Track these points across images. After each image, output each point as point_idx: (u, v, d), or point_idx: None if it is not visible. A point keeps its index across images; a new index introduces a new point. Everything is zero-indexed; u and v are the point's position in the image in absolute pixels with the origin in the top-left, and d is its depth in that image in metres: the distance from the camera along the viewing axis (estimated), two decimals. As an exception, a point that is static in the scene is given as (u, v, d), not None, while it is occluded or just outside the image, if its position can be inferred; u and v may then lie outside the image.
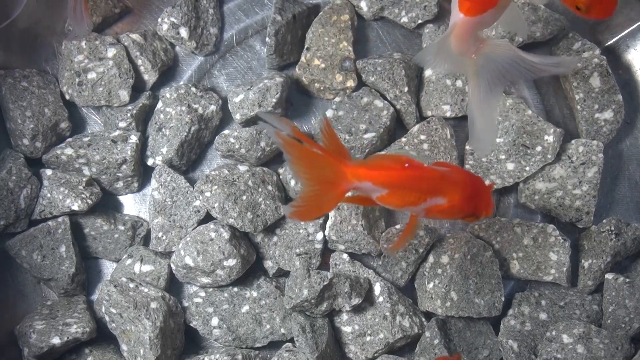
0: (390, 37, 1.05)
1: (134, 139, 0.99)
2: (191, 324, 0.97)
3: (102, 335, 0.97)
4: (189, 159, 1.01)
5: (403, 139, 0.99)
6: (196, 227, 0.97)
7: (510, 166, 0.98)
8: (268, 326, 0.97)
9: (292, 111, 1.03)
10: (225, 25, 1.05)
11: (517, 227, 0.98)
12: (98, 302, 0.98)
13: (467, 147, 1.00)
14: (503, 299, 0.96)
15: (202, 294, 0.97)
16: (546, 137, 0.97)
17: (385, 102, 0.99)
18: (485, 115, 0.83)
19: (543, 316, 0.97)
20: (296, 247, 0.97)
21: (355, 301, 0.94)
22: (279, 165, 1.01)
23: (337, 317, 0.97)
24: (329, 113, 0.99)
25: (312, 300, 0.92)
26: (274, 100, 0.97)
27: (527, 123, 0.98)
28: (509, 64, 0.82)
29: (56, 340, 0.92)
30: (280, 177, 1.00)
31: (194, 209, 0.98)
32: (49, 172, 0.99)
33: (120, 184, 1.01)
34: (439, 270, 0.96)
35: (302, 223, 0.97)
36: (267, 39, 1.00)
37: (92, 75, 1.00)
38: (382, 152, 0.99)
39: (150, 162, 1.01)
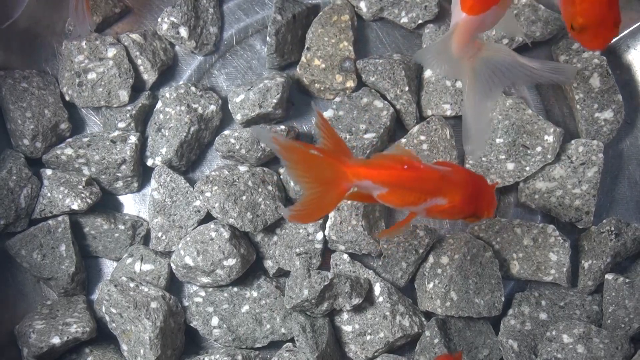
0: (389, 37, 1.05)
1: (133, 139, 0.99)
2: (191, 324, 0.97)
3: (103, 335, 0.97)
4: (189, 159, 1.01)
5: (403, 140, 0.99)
6: (196, 226, 0.97)
7: (510, 166, 0.98)
8: (268, 326, 0.97)
9: (293, 111, 1.03)
10: (225, 24, 1.05)
11: (517, 228, 0.98)
12: (98, 302, 0.98)
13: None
14: (503, 298, 0.96)
15: (202, 293, 0.97)
16: (546, 136, 0.97)
17: (385, 102, 0.99)
18: (479, 118, 0.83)
19: (543, 316, 0.97)
20: (296, 246, 0.97)
21: (356, 301, 0.94)
22: (279, 165, 1.01)
23: (338, 317, 0.97)
24: (329, 113, 0.99)
25: (313, 300, 0.92)
26: (275, 100, 0.97)
27: (527, 122, 0.98)
28: (507, 68, 0.81)
29: (56, 340, 0.92)
30: (281, 177, 0.99)
31: (194, 208, 0.98)
32: (49, 171, 0.99)
33: (119, 183, 1.01)
34: (439, 271, 0.96)
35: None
36: (267, 38, 1.00)
37: (92, 76, 1.00)
38: (385, 152, 0.99)
39: (149, 162, 1.01)
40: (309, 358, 0.92)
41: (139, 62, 1.02)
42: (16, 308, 0.99)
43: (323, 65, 1.01)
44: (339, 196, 0.76)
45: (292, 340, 0.96)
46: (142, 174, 1.02)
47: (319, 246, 0.97)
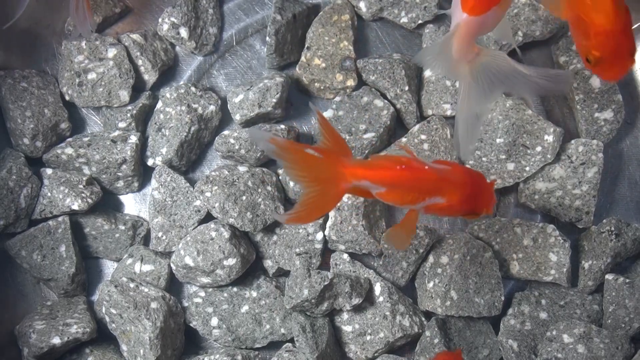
0: (389, 37, 1.05)
1: (133, 139, 0.99)
2: (191, 324, 0.97)
3: (103, 336, 0.97)
4: (189, 159, 1.01)
5: (403, 139, 0.99)
6: (197, 226, 0.97)
7: (510, 166, 0.98)
8: (268, 326, 0.97)
9: (292, 111, 1.03)
10: (225, 24, 1.05)
11: (517, 228, 0.98)
12: (98, 303, 0.98)
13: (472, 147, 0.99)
14: (503, 298, 0.96)
15: (202, 294, 0.97)
16: (546, 136, 0.97)
17: (385, 101, 0.99)
18: (471, 123, 0.83)
19: (543, 315, 0.97)
20: (296, 246, 0.97)
21: (356, 301, 0.94)
22: (278, 166, 1.01)
23: (338, 317, 0.96)
24: (329, 113, 0.99)
25: (313, 300, 0.92)
26: (274, 100, 0.97)
27: (527, 122, 0.98)
28: (504, 76, 0.81)
29: (56, 341, 0.92)
30: (280, 177, 1.00)
31: (194, 208, 0.98)
32: (49, 171, 0.99)
33: (120, 183, 1.01)
34: (439, 270, 0.96)
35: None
36: (267, 38, 1.00)
37: (92, 76, 1.00)
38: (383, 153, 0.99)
39: (150, 162, 1.01)
40: (309, 358, 0.92)
41: (140, 62, 1.02)
42: (16, 308, 0.99)
43: (323, 65, 1.01)
44: (337, 196, 0.77)
45: (291, 340, 0.96)
46: (143, 174, 1.02)
47: (318, 246, 0.97)
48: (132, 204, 1.03)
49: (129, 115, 1.01)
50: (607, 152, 0.99)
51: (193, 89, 1.01)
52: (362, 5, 1.03)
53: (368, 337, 0.95)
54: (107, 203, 1.02)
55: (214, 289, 0.98)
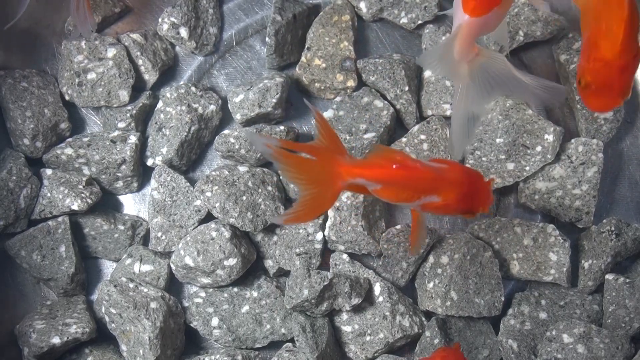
0: (389, 38, 1.05)
1: (133, 139, 0.99)
2: (191, 324, 0.97)
3: (103, 335, 0.96)
4: (189, 159, 1.01)
5: (403, 139, 0.99)
6: (197, 226, 0.97)
7: (510, 166, 0.98)
8: (268, 326, 0.97)
9: (292, 111, 1.03)
10: (225, 25, 1.05)
11: (517, 227, 0.98)
12: (98, 302, 0.98)
13: (467, 147, 1.00)
14: (503, 298, 0.96)
15: (202, 294, 0.97)
16: (546, 135, 0.97)
17: (385, 102, 0.99)
18: (465, 123, 0.83)
19: (543, 316, 0.97)
20: (296, 246, 0.97)
21: (356, 301, 0.94)
22: (279, 166, 1.01)
23: (337, 317, 0.96)
24: (330, 113, 0.99)
25: (313, 300, 0.92)
26: (274, 100, 0.97)
27: (527, 122, 0.98)
28: (501, 79, 0.81)
29: (56, 340, 0.92)
30: (280, 177, 1.00)
31: (194, 208, 0.98)
32: (49, 171, 0.99)
33: (120, 183, 1.01)
34: (439, 270, 0.96)
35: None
36: (267, 38, 1.00)
37: (91, 76, 1.00)
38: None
39: (150, 162, 1.01)
40: (309, 358, 0.92)
41: (140, 62, 1.02)
42: (16, 308, 0.99)
43: (324, 65, 1.01)
44: (334, 195, 0.77)
45: (292, 340, 0.96)
46: (142, 174, 1.02)
47: (318, 246, 0.97)
48: (132, 204, 1.03)
49: (128, 115, 1.00)
50: (607, 152, 0.99)
51: (193, 88, 1.01)
52: (362, 5, 1.03)
53: (368, 338, 0.95)
54: (106, 203, 1.02)
55: (215, 289, 0.97)
